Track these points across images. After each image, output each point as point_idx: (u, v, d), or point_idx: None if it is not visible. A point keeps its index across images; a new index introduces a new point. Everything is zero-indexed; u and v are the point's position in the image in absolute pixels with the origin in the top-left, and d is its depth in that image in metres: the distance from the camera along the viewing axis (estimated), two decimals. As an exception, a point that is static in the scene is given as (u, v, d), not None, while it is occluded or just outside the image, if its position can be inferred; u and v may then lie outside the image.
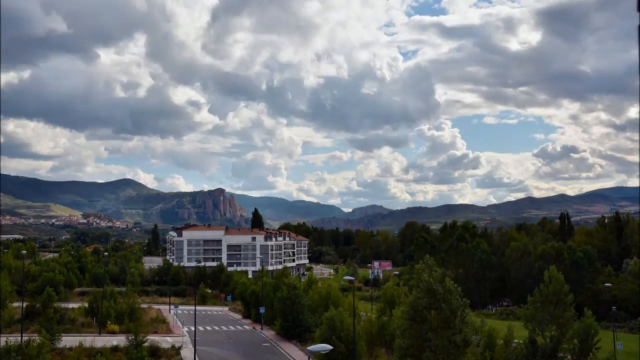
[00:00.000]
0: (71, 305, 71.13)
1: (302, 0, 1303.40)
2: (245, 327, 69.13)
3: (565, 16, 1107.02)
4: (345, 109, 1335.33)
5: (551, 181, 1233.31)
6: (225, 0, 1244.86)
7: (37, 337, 36.10)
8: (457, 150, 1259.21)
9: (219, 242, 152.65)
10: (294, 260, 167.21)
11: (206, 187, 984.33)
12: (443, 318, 30.02)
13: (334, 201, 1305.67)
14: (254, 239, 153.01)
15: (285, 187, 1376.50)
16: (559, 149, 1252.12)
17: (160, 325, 64.67)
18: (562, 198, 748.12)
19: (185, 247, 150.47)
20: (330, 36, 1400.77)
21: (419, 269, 32.58)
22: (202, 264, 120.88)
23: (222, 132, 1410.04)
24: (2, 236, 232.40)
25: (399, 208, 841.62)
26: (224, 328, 67.09)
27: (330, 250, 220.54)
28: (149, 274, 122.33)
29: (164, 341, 51.77)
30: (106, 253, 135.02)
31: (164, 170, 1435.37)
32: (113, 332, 56.22)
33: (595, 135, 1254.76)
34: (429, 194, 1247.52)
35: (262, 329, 64.62)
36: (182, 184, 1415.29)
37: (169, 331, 61.49)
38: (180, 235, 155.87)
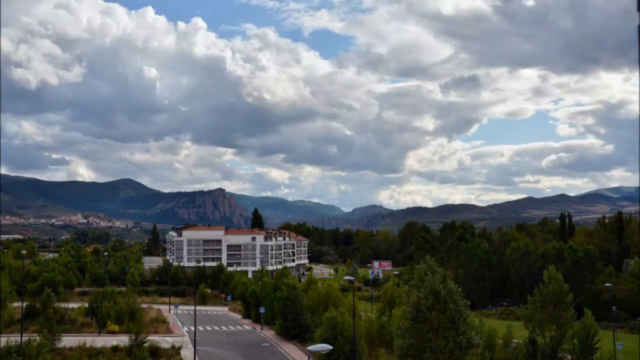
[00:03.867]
0: (71, 305, 71.08)
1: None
2: (245, 327, 69.11)
3: None
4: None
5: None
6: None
7: (37, 337, 36.09)
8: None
9: (218, 242, 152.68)
10: (294, 260, 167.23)
11: (206, 187, 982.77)
12: (448, 319, 30.06)
13: (334, 201, 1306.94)
14: (253, 239, 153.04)
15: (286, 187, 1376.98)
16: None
17: (160, 325, 64.63)
18: (562, 198, 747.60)
19: (185, 247, 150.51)
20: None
21: (421, 269, 32.63)
22: (202, 264, 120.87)
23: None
24: (2, 236, 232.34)
25: (399, 208, 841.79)
26: (224, 328, 67.09)
27: (330, 250, 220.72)
28: (149, 274, 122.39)
29: (164, 341, 51.74)
30: (106, 253, 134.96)
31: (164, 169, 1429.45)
32: (113, 332, 56.20)
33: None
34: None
35: (262, 329, 64.61)
36: (182, 184, 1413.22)
37: (169, 331, 61.46)
38: (180, 235, 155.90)
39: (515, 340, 45.45)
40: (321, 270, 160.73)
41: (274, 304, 62.20)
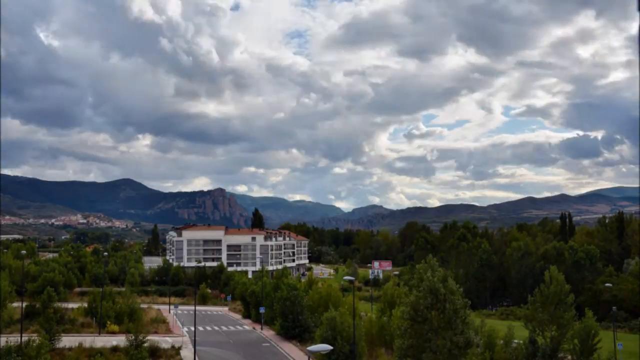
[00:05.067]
0: (71, 305, 71.08)
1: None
2: (245, 327, 69.04)
3: None
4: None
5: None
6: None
7: (36, 337, 36.01)
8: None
9: (218, 242, 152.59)
10: (294, 260, 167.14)
11: (206, 187, 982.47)
12: (445, 319, 29.91)
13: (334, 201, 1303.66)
14: (253, 239, 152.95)
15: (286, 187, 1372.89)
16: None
17: (160, 325, 64.57)
18: (562, 198, 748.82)
19: (185, 247, 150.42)
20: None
21: (421, 268, 32.47)
22: (202, 264, 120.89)
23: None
24: (2, 236, 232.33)
25: (400, 208, 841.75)
26: (224, 328, 67.01)
27: (330, 250, 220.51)
28: (149, 274, 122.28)
29: (164, 341, 51.66)
30: (106, 253, 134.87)
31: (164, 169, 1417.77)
32: (113, 332, 56.15)
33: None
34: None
35: (262, 329, 64.55)
36: (182, 184, 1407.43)
37: (168, 331, 61.39)
38: (180, 235, 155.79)
39: (515, 341, 45.38)
40: (321, 271, 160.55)
41: (274, 304, 62.13)
